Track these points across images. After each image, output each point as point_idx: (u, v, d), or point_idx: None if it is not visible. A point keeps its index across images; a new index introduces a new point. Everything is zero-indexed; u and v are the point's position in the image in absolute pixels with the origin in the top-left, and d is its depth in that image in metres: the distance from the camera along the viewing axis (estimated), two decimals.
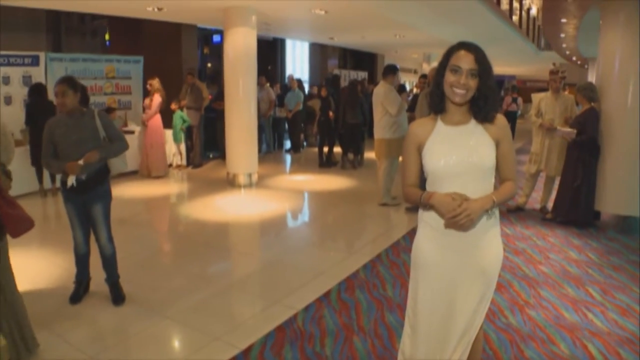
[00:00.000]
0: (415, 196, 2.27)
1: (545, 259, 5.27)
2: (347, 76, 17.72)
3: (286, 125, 13.43)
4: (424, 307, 2.33)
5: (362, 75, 19.47)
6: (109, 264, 4.16)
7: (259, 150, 10.07)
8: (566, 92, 7.08)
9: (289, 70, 18.11)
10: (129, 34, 12.25)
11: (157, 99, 9.26)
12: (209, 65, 20.58)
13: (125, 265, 4.54)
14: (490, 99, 2.20)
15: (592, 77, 18.62)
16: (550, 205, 6.88)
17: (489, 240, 2.26)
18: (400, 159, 2.32)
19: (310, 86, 14.81)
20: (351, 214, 7.21)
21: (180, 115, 10.00)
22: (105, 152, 3.86)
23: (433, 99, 2.28)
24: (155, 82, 9.35)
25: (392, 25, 11.47)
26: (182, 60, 12.15)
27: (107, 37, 15.32)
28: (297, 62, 18.93)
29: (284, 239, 6.23)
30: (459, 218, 2.10)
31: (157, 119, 9.39)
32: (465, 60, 2.14)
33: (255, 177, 9.01)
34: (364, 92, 11.77)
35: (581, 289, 4.50)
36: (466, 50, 2.17)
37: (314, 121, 12.24)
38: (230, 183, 8.87)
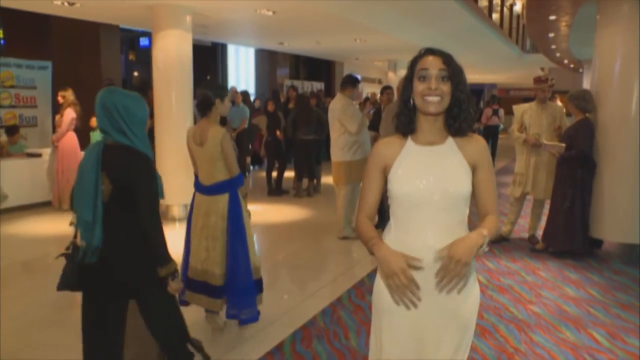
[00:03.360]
0: (366, 235, 2.30)
1: (536, 297, 5.28)
2: (301, 88, 17.80)
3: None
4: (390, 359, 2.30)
5: (318, 86, 19.60)
6: None
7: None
8: (557, 101, 7.16)
9: (232, 81, 18.09)
10: (33, 33, 11.94)
11: (68, 114, 9.01)
12: (136, 74, 20.36)
13: (27, 322, 4.30)
14: (466, 104, 2.23)
15: (587, 83, 19.12)
16: (540, 233, 6.94)
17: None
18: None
19: (254, 100, 14.76)
20: (307, 249, 7.14)
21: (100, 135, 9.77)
22: None
23: (401, 120, 2.30)
24: (69, 94, 9.11)
25: (351, 28, 11.57)
26: (102, 67, 11.98)
27: (0, 34, 14.65)
28: (242, 72, 18.93)
29: None
30: (449, 276, 2.06)
31: (71, 139, 9.13)
32: (432, 64, 2.19)
33: None
34: (321, 106, 11.80)
35: (583, 332, 4.50)
36: (432, 54, 2.23)
37: (259, 140, 12.18)
38: (162, 216, 8.54)
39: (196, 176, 4.36)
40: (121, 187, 2.76)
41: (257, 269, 4.34)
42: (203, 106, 4.18)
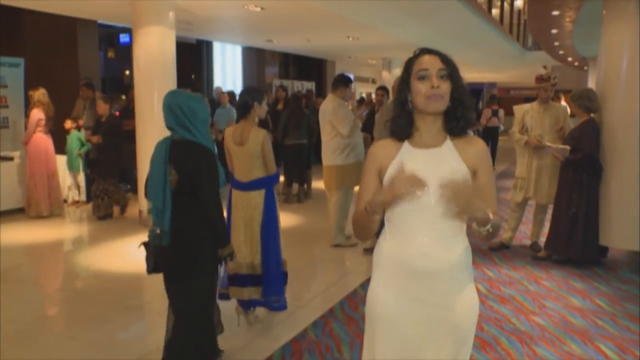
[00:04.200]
0: (359, 210, 2.24)
1: (539, 307, 5.28)
2: (291, 87, 17.78)
3: (215, 150, 13.27)
4: None
5: (308, 86, 19.59)
6: None
7: None
8: (562, 102, 7.17)
9: (218, 80, 18.02)
10: (4, 28, 11.81)
11: (34, 114, 8.93)
12: (127, 72, 20.23)
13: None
14: (467, 102, 2.26)
15: (592, 81, 19.20)
16: (542, 240, 6.95)
17: (461, 287, 2.25)
18: (357, 188, 2.29)
19: None
20: (297, 258, 7.07)
21: (78, 137, 9.72)
22: None
23: (397, 124, 2.32)
24: (38, 94, 8.99)
25: (343, 25, 11.59)
26: (79, 65, 11.89)
27: None
28: (228, 71, 18.87)
29: None
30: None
31: (41, 141, 9.05)
32: (431, 64, 2.23)
33: None
34: (311, 108, 11.79)
35: (589, 345, 4.48)
36: (429, 54, 2.28)
37: None
38: (143, 224, 8.59)
39: (231, 174, 4.89)
40: (186, 177, 3.28)
41: (284, 262, 4.92)
42: (242, 110, 4.82)
